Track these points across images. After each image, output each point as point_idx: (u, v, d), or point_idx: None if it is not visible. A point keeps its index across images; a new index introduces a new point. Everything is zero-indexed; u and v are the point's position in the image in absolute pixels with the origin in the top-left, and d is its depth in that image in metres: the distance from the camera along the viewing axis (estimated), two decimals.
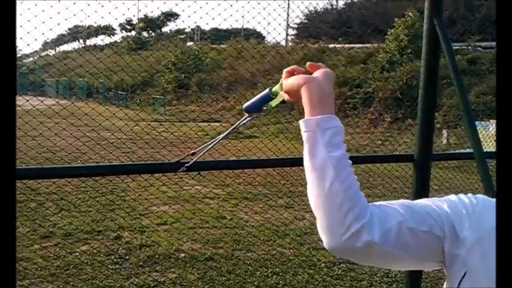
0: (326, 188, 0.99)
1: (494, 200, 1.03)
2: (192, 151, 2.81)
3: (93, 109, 6.11)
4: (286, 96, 1.22)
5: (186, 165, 2.73)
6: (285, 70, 1.20)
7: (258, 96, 1.37)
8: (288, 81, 1.15)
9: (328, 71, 1.13)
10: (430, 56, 3.10)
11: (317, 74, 1.12)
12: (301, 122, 1.05)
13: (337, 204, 0.98)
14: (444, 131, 15.54)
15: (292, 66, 1.20)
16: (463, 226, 0.98)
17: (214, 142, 1.87)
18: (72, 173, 2.68)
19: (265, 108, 1.36)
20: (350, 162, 1.03)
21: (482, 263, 0.94)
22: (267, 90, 1.33)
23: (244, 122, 1.47)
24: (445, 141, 15.27)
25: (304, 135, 1.04)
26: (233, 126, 1.57)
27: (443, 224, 0.99)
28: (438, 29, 2.96)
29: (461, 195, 1.06)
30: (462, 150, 10.69)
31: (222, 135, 1.76)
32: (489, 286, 0.91)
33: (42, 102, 4.85)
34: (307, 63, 1.18)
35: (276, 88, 1.29)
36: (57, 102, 5.64)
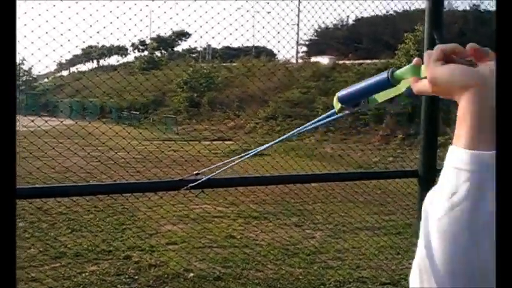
0: (478, 255, 0.69)
1: None
2: (195, 172, 2.84)
3: (110, 128, 6.19)
4: (420, 86, 0.84)
5: (191, 184, 2.76)
6: (439, 49, 0.79)
7: (364, 83, 0.95)
8: (439, 71, 0.78)
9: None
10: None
11: (487, 70, 0.75)
12: (462, 153, 0.71)
13: (487, 277, 0.69)
14: None
15: (451, 45, 0.80)
16: None
17: (246, 156, 1.73)
18: (70, 192, 2.70)
19: (363, 103, 0.97)
20: None
21: None
22: (384, 74, 0.90)
23: (328, 119, 1.11)
24: None
25: (469, 176, 0.69)
26: (306, 125, 1.25)
27: None
28: (438, 42, 2.97)
29: None
30: None
31: (259, 148, 1.57)
32: None
33: (61, 122, 4.93)
34: (470, 46, 0.78)
35: (402, 72, 0.87)
36: (76, 122, 5.72)
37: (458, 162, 0.70)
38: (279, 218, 8.06)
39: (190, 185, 2.70)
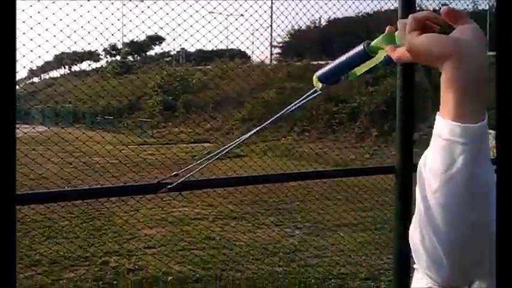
0: (474, 220, 0.73)
1: None
2: (174, 172, 2.82)
3: (83, 133, 6.10)
4: (399, 54, 0.83)
5: (169, 186, 2.73)
6: (411, 16, 0.79)
7: (342, 58, 0.96)
8: (417, 40, 0.76)
9: (478, 29, 0.76)
10: (405, 67, 3.15)
11: (465, 34, 0.74)
12: (450, 125, 0.72)
13: (484, 241, 0.74)
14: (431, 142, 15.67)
15: (423, 12, 0.80)
16: None
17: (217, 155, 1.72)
18: (44, 198, 2.64)
19: (343, 78, 0.98)
20: None
21: None
22: (360, 47, 0.92)
23: (312, 97, 1.12)
24: None
25: (462, 148, 0.71)
26: (293, 104, 1.27)
27: None
28: None
29: None
30: None
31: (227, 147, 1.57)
32: None
33: (33, 128, 4.82)
34: (444, 9, 0.77)
35: (376, 42, 0.88)
36: (49, 128, 5.61)
37: (451, 135, 0.72)
38: (257, 218, 8.05)
39: (169, 186, 2.67)
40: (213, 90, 23.58)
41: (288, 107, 1.33)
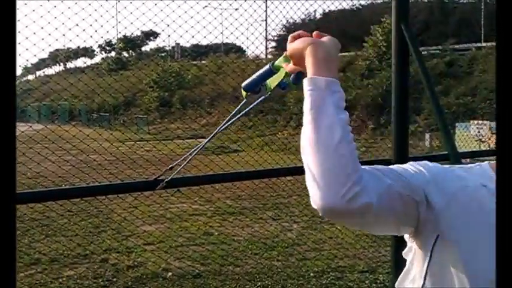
0: (333, 147, 0.95)
1: (447, 166, 1.13)
2: (170, 165, 2.83)
3: (80, 131, 6.09)
4: (290, 67, 1.15)
5: (165, 180, 2.75)
6: (290, 35, 1.15)
7: (258, 73, 1.23)
8: (292, 44, 1.11)
9: (334, 39, 1.10)
10: (400, 60, 3.17)
11: (322, 37, 1.10)
12: (306, 80, 1.02)
13: (343, 164, 0.94)
14: (427, 134, 15.71)
15: (298, 32, 1.15)
16: (431, 192, 1.03)
17: (199, 148, 1.79)
18: (39, 197, 2.66)
19: (261, 86, 1.23)
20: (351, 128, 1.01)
21: (451, 226, 1.01)
22: (268, 66, 1.20)
23: (240, 106, 1.35)
24: (428, 144, 15.43)
25: (310, 93, 1.00)
26: (231, 114, 1.45)
27: (420, 189, 1.03)
28: (405, 33, 3.03)
29: (417, 163, 1.11)
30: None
31: (209, 137, 1.68)
32: (458, 248, 1.00)
33: (30, 127, 4.81)
34: (314, 33, 1.13)
35: (278, 61, 1.18)
36: (45, 126, 5.61)
37: (305, 86, 1.02)
38: (255, 212, 8.09)
39: (166, 180, 2.69)
40: (209, 86, 23.59)
41: (227, 118, 1.52)
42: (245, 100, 1.29)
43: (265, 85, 1.22)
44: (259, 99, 1.28)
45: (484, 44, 21.95)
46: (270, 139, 14.76)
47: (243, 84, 1.25)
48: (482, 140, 13.34)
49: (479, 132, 13.66)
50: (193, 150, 1.97)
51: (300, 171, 4.13)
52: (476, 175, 1.08)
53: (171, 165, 2.66)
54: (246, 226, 7.26)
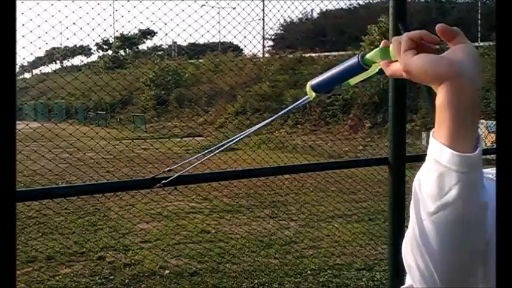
0: (470, 247, 0.76)
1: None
2: (168, 168, 2.83)
3: (77, 129, 6.09)
4: (392, 69, 0.85)
5: (164, 181, 2.75)
6: (406, 35, 0.79)
7: (336, 69, 0.97)
8: (415, 60, 0.76)
9: (474, 49, 0.76)
10: None
11: (460, 55, 0.74)
12: (453, 154, 0.71)
13: (478, 265, 0.79)
14: (423, 133, 15.73)
15: (419, 32, 0.79)
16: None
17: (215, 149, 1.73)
18: (33, 195, 2.65)
19: (337, 87, 1.00)
20: None
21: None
22: (355, 59, 0.91)
23: (303, 103, 1.12)
24: (424, 143, 15.46)
25: (456, 175, 0.71)
26: (285, 110, 1.26)
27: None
28: (402, 32, 3.03)
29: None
30: None
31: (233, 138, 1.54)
32: None
33: (26, 125, 4.80)
34: (439, 27, 0.76)
35: (372, 55, 0.88)
36: (42, 125, 5.59)
37: (449, 163, 0.71)
38: (252, 210, 8.09)
39: (163, 181, 2.69)
40: (206, 84, 23.55)
41: (280, 113, 1.33)
42: (310, 100, 1.06)
43: (342, 84, 0.99)
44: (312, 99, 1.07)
45: (481, 44, 22.01)
46: (267, 138, 14.77)
47: (312, 83, 1.02)
48: None
49: None
50: (204, 152, 1.96)
51: (297, 169, 4.15)
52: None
53: (173, 167, 2.67)
54: (243, 224, 7.27)
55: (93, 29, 4.89)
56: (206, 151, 2.11)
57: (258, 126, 1.42)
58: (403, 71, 0.79)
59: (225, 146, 1.69)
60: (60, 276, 5.35)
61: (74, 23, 4.60)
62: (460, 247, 0.75)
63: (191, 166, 2.40)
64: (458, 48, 0.75)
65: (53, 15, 4.27)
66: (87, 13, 4.64)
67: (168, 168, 2.77)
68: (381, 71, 0.89)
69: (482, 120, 14.19)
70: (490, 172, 0.96)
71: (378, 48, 0.87)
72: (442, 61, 0.74)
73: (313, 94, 1.03)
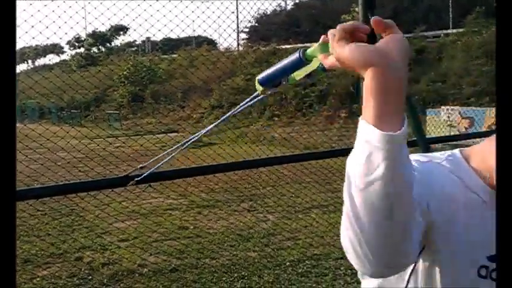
0: (398, 218, 0.80)
1: (424, 159, 1.05)
2: (141, 165, 2.81)
3: (47, 129, 5.99)
4: (330, 62, 0.87)
5: (137, 178, 2.72)
6: (340, 26, 0.83)
7: (280, 64, 1.00)
8: (346, 49, 0.80)
9: (403, 40, 0.80)
10: None
11: (389, 45, 0.79)
12: (379, 133, 0.76)
13: (406, 236, 0.85)
14: None
15: (351, 23, 0.84)
16: (430, 204, 0.96)
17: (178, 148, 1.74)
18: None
19: (284, 82, 1.01)
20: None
21: (449, 231, 0.98)
22: (296, 55, 0.95)
23: (253, 101, 1.14)
24: None
25: (383, 153, 0.76)
26: (237, 108, 1.28)
27: (423, 202, 0.96)
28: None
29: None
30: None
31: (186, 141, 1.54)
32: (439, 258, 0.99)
33: None
34: (374, 19, 0.82)
35: (312, 50, 0.92)
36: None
37: (374, 141, 0.77)
38: (230, 204, 8.09)
39: (137, 179, 2.67)
40: (180, 79, 23.40)
41: (230, 112, 1.36)
42: (261, 96, 1.09)
43: (287, 77, 1.01)
44: (269, 92, 1.09)
45: (453, 31, 22.33)
46: (243, 131, 14.76)
47: (259, 78, 1.05)
48: (453, 125, 13.63)
49: (449, 117, 13.96)
50: (175, 147, 1.95)
51: (274, 161, 4.14)
52: (448, 169, 1.03)
53: (146, 163, 2.65)
54: (221, 219, 7.26)
55: (59, 27, 4.81)
56: (174, 147, 2.10)
57: (216, 123, 1.45)
58: (336, 59, 0.84)
59: (190, 142, 1.70)
60: (38, 279, 5.28)
61: (40, 21, 4.53)
62: (388, 218, 0.79)
63: (163, 162, 2.39)
64: (388, 38, 0.81)
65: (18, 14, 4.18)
66: (53, 11, 4.56)
67: (141, 165, 2.76)
68: (322, 66, 0.92)
69: (455, 107, 14.44)
70: (440, 157, 1.05)
71: (318, 43, 0.90)
72: (371, 49, 0.79)
73: (261, 88, 1.07)
